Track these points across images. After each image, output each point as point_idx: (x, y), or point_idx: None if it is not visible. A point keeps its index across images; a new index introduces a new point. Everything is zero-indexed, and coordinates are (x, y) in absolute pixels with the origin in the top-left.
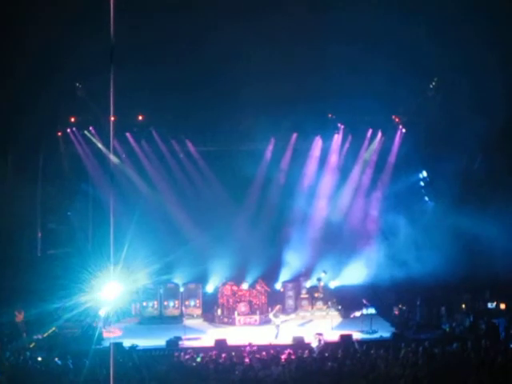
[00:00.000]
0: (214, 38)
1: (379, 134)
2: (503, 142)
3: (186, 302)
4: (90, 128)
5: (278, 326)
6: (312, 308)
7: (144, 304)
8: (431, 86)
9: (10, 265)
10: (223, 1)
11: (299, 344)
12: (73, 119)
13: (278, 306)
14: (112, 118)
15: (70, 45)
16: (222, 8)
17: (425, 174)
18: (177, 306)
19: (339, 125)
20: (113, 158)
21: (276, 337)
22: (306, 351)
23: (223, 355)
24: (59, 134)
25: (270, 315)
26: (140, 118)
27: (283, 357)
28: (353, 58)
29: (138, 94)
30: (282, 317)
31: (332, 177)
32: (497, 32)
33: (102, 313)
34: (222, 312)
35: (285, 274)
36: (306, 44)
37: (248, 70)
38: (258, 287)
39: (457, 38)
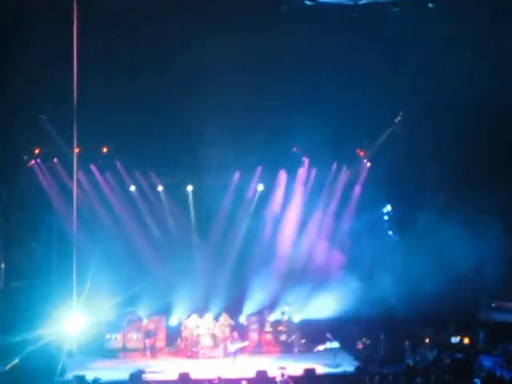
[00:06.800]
0: (176, 70)
1: (344, 168)
2: (467, 177)
3: (149, 335)
4: (55, 160)
5: (234, 354)
6: (276, 341)
7: (107, 336)
8: (396, 121)
9: None
10: (184, 32)
11: (262, 378)
12: (37, 151)
13: (243, 343)
14: (76, 150)
15: (36, 76)
16: (182, 37)
17: (389, 208)
18: (140, 338)
19: (304, 158)
20: (76, 190)
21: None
22: None
23: None
24: (23, 165)
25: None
26: (104, 149)
27: None
28: (315, 90)
29: (102, 126)
30: (238, 344)
31: (297, 210)
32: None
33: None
34: (186, 345)
35: (249, 307)
36: (270, 75)
37: (212, 103)
38: (222, 320)
39: (423, 70)
